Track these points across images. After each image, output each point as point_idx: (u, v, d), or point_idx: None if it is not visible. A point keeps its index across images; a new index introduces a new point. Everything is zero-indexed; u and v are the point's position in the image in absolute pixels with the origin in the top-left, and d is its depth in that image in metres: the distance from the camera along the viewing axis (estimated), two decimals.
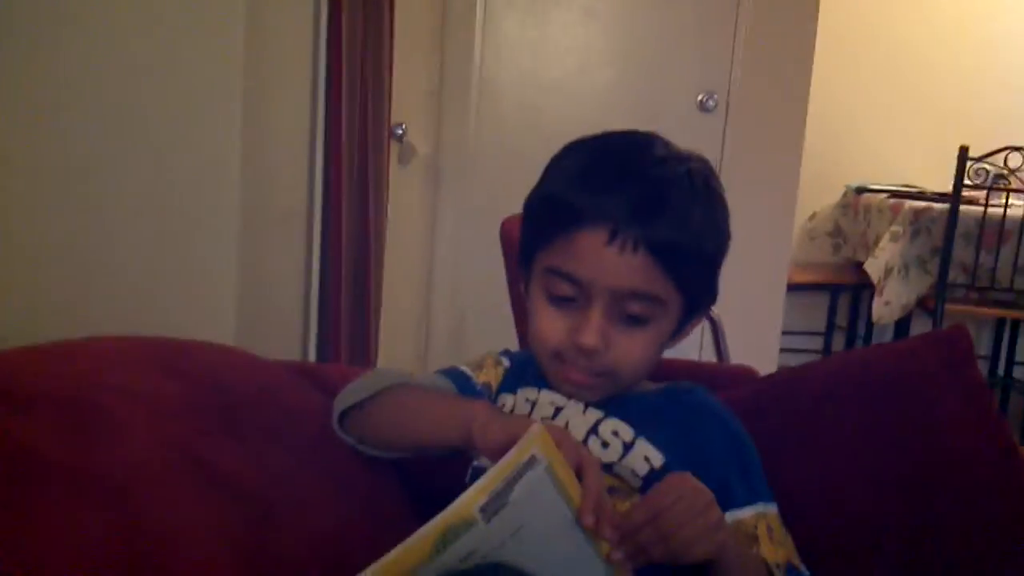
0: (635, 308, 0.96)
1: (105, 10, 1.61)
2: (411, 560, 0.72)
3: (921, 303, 3.65)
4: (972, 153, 3.44)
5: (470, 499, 0.75)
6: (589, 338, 0.96)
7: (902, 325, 3.77)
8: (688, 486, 0.84)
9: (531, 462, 0.78)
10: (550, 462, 0.80)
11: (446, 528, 0.74)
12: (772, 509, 0.99)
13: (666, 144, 1.01)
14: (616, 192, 0.94)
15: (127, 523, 0.73)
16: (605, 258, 0.94)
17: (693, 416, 1.04)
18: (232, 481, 0.86)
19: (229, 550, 0.80)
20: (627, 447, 0.99)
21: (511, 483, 0.77)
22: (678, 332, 1.04)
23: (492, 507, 0.75)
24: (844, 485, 1.08)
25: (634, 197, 0.94)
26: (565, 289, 0.98)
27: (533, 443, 0.79)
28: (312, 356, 2.19)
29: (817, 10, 3.26)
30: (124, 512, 0.74)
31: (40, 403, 0.80)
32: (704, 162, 1.02)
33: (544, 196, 1.02)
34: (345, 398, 1.07)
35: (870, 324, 4.10)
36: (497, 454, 0.83)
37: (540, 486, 0.79)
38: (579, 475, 0.82)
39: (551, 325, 1.00)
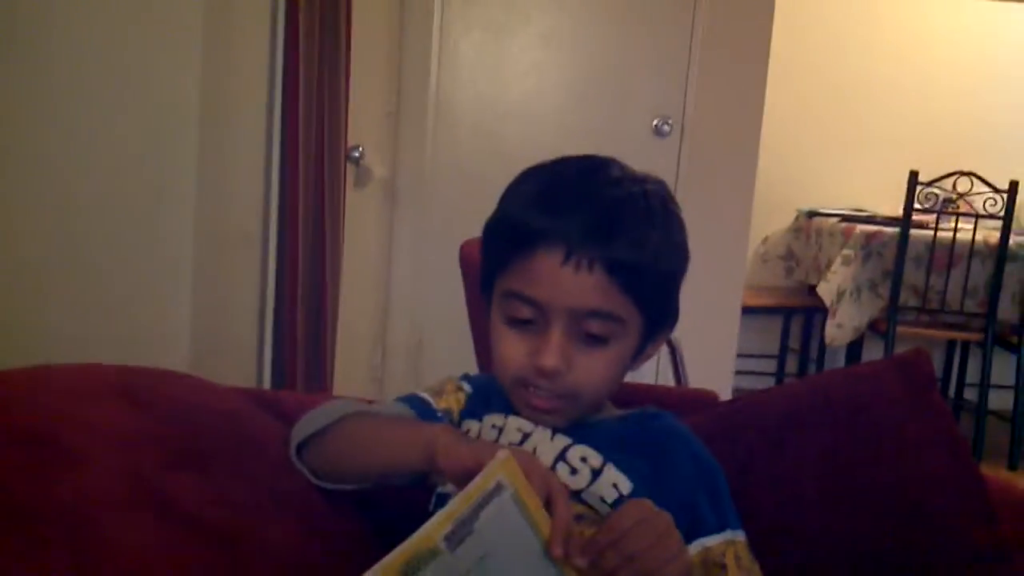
0: (594, 327, 0.96)
1: (65, 31, 1.58)
2: None
3: (873, 326, 3.70)
4: (922, 178, 3.51)
5: (434, 527, 0.73)
6: (549, 359, 0.95)
7: (854, 348, 3.82)
8: (647, 509, 0.83)
9: (497, 488, 0.77)
10: (516, 489, 0.78)
11: (409, 558, 0.72)
12: (740, 536, 0.98)
13: (622, 167, 1.02)
14: (571, 213, 0.95)
15: (85, 554, 0.70)
16: (561, 279, 0.94)
17: (661, 442, 1.03)
18: (195, 513, 0.84)
19: None
20: (595, 473, 0.98)
21: (476, 510, 0.75)
22: (640, 353, 1.04)
23: (457, 535, 0.74)
24: (810, 509, 1.07)
25: (589, 218, 0.94)
26: (524, 312, 0.97)
27: (499, 469, 0.78)
28: (267, 380, 2.16)
29: (770, 38, 3.30)
30: (82, 550, 0.71)
31: None
32: (660, 183, 1.02)
33: (501, 219, 1.02)
34: (302, 428, 1.05)
35: (823, 346, 4.14)
36: (462, 478, 0.81)
37: (506, 513, 0.77)
38: (547, 503, 0.81)
39: (512, 350, 0.99)
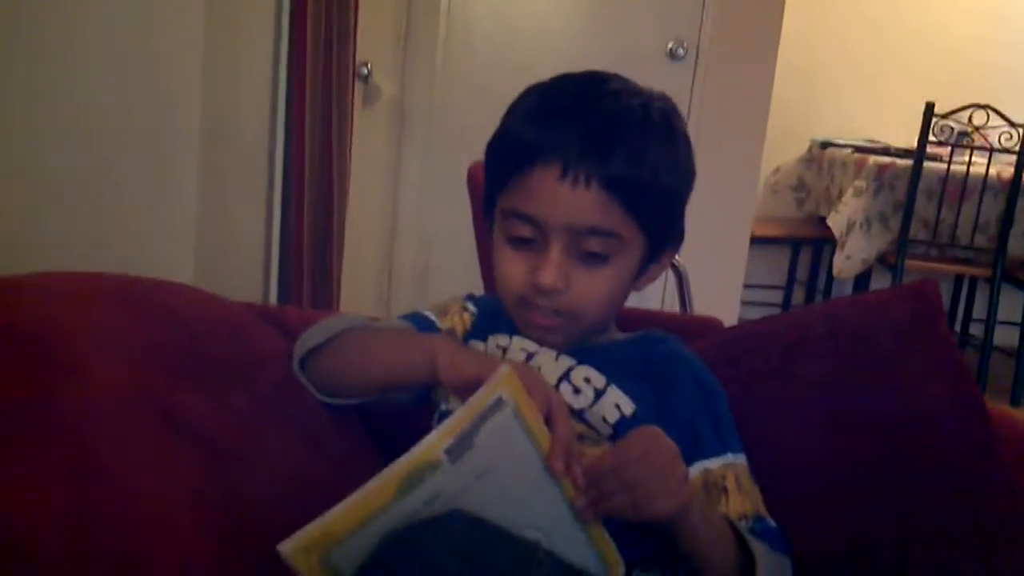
0: (594, 245, 0.95)
1: None
2: (374, 502, 0.71)
3: (882, 258, 3.67)
4: (938, 110, 3.45)
5: (436, 440, 0.73)
6: (547, 277, 0.94)
7: (862, 280, 3.80)
8: (657, 439, 0.83)
9: (498, 403, 0.77)
10: (518, 404, 0.78)
11: (411, 469, 0.72)
12: (741, 460, 0.99)
13: (624, 81, 0.99)
14: (567, 127, 0.93)
15: (83, 468, 0.70)
16: (559, 195, 0.92)
17: (665, 365, 1.03)
18: (195, 426, 0.84)
19: (190, 497, 0.77)
20: (598, 394, 0.98)
21: (477, 424, 0.75)
22: (642, 273, 1.03)
23: (458, 449, 0.74)
24: (812, 436, 1.07)
25: (585, 131, 0.93)
26: (523, 230, 0.96)
27: (501, 384, 0.78)
28: (273, 299, 2.16)
29: None
30: (81, 456, 0.71)
31: None
32: (665, 99, 1.00)
33: (500, 137, 1.01)
34: (306, 341, 1.05)
35: (830, 278, 4.13)
36: (464, 390, 0.82)
37: (507, 428, 0.77)
38: (548, 419, 0.81)
39: (512, 269, 0.98)
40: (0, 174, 1.58)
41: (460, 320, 1.11)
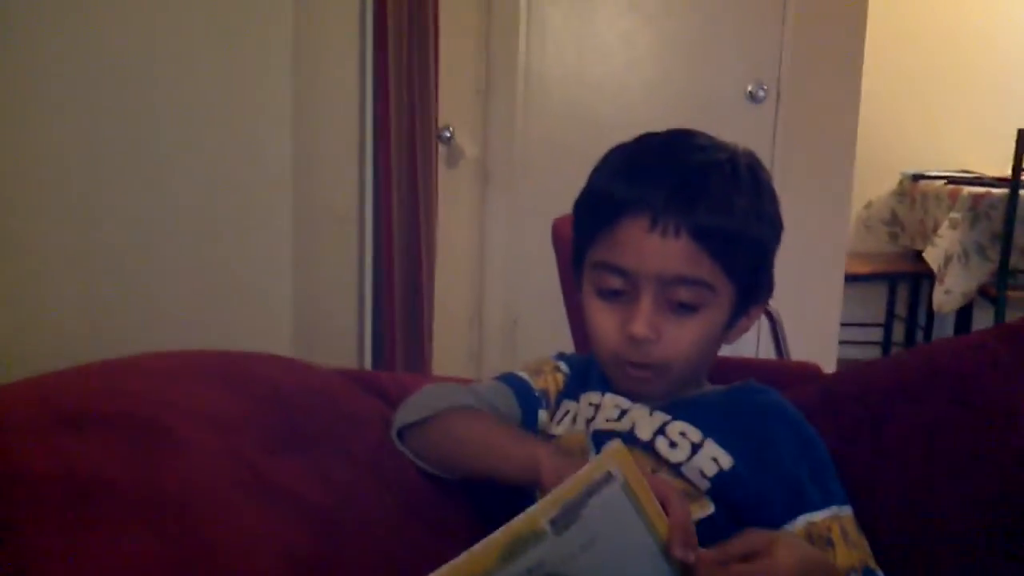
0: (684, 295, 0.95)
1: (155, 11, 1.62)
2: (475, 568, 0.71)
3: (982, 291, 3.56)
4: None
5: (541, 510, 0.73)
6: (639, 327, 0.95)
7: (963, 313, 3.70)
8: (789, 559, 0.81)
9: (607, 478, 0.76)
10: (628, 479, 0.77)
11: (514, 537, 0.72)
12: (847, 511, 0.96)
13: (708, 136, 1.02)
14: (656, 180, 0.95)
15: (191, 543, 0.72)
16: (648, 245, 0.94)
17: (761, 417, 1.02)
18: (298, 498, 0.85)
19: (288, 564, 0.79)
20: (695, 448, 0.97)
21: (585, 497, 0.75)
22: (732, 324, 1.03)
23: (563, 520, 0.73)
24: (920, 484, 1.04)
25: (673, 183, 0.94)
26: (613, 282, 0.97)
27: (612, 458, 0.77)
28: (368, 361, 2.19)
29: None
30: (184, 531, 0.73)
31: (99, 423, 0.79)
32: (751, 154, 1.02)
33: (588, 193, 1.03)
34: (406, 414, 1.06)
35: (930, 313, 4.02)
36: None
37: (616, 502, 0.77)
38: (663, 503, 0.80)
39: (604, 323, 0.99)
40: (106, 256, 1.64)
41: (553, 380, 1.12)
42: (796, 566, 0.81)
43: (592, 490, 0.75)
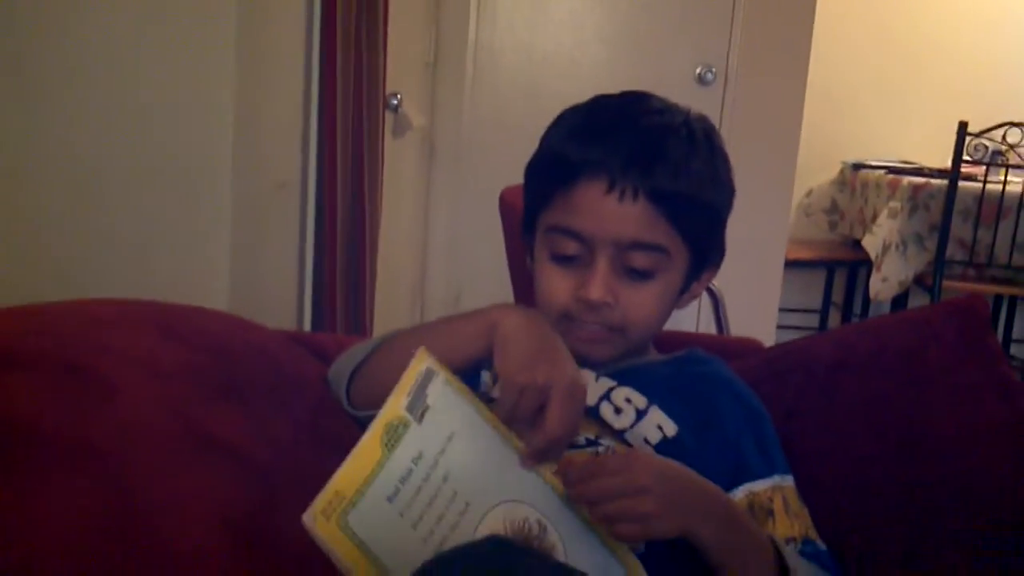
0: (640, 260, 0.94)
1: None
2: (368, 460, 0.76)
3: (919, 280, 3.62)
4: (971, 129, 3.41)
5: (395, 399, 0.80)
6: (595, 291, 0.94)
7: (899, 302, 3.75)
8: (636, 466, 0.79)
9: (429, 373, 0.82)
10: (446, 376, 0.83)
11: (386, 424, 0.78)
12: (788, 481, 0.96)
13: (662, 100, 1.01)
14: (612, 143, 0.93)
15: (122, 495, 0.70)
16: (605, 209, 0.92)
17: (707, 386, 1.01)
18: (236, 451, 0.83)
19: (228, 531, 0.76)
20: (640, 414, 0.96)
21: (422, 388, 0.81)
22: (686, 289, 1.02)
23: (416, 407, 0.80)
24: (861, 455, 1.05)
25: (631, 146, 0.93)
26: (568, 246, 0.95)
27: (423, 359, 0.83)
28: (307, 327, 2.16)
29: None
30: (119, 484, 0.70)
31: (36, 366, 0.76)
32: (704, 118, 1.01)
33: (542, 155, 1.01)
34: (350, 360, 1.03)
35: (867, 301, 4.08)
36: None
37: (448, 396, 0.82)
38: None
39: (557, 285, 0.97)
40: (47, 213, 1.60)
41: None
42: (624, 465, 0.80)
43: (424, 382, 0.81)
